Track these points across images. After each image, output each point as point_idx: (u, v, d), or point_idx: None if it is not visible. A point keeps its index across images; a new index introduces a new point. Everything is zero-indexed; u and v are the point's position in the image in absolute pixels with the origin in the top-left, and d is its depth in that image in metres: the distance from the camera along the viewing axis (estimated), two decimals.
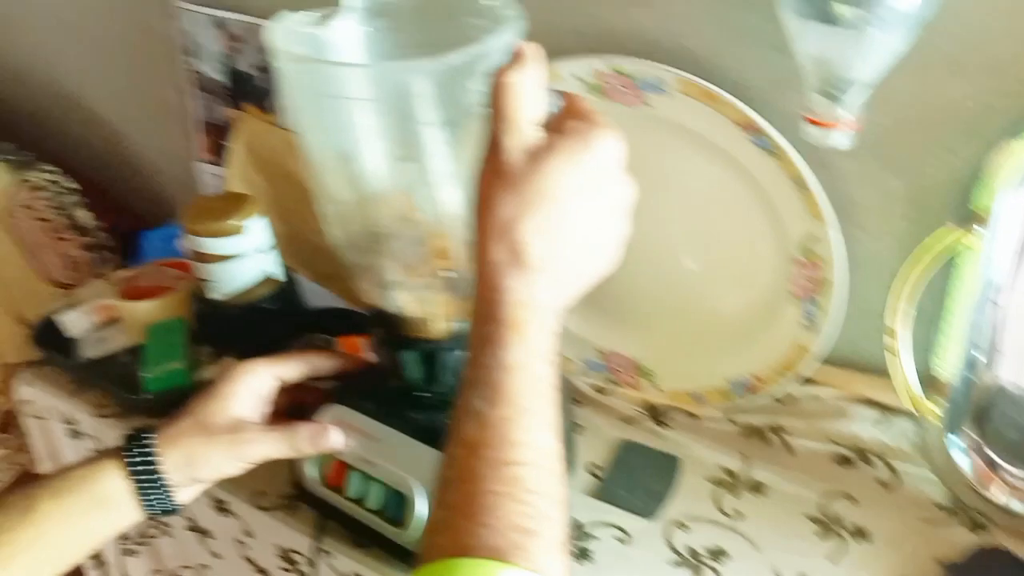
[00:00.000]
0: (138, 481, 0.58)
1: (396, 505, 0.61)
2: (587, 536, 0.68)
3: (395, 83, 0.48)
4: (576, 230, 0.45)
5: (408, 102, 0.48)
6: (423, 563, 0.40)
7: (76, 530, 0.57)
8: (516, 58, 0.46)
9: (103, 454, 0.59)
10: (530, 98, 0.45)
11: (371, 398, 0.65)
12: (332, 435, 0.63)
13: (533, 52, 0.47)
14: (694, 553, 0.67)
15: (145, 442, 0.59)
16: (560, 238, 0.44)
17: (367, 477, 0.63)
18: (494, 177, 0.45)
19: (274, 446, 0.61)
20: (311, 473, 0.66)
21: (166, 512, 0.59)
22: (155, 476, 0.58)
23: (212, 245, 0.84)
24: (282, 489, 0.74)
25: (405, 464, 0.61)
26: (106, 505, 0.58)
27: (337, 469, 0.64)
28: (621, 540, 0.68)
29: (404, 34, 0.57)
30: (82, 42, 1.16)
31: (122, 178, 1.24)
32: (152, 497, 0.58)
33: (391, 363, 0.64)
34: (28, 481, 1.13)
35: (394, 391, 0.65)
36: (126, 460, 0.58)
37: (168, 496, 0.59)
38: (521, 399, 0.43)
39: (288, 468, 0.73)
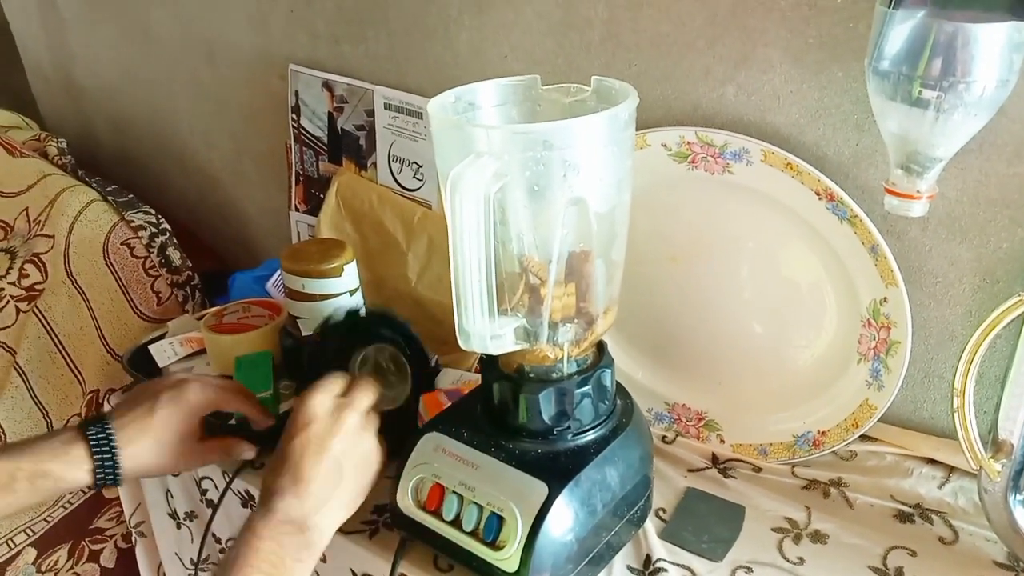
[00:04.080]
0: (96, 455, 0.69)
1: (493, 527, 0.65)
2: (658, 571, 0.72)
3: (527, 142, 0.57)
4: (319, 476, 0.64)
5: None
6: None
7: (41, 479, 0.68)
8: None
9: (70, 429, 0.71)
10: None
11: (466, 427, 0.70)
12: (243, 448, 0.80)
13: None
14: None
15: (107, 430, 0.70)
16: (302, 481, 0.63)
17: (465, 500, 0.67)
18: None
19: (207, 456, 0.77)
20: (408, 496, 0.70)
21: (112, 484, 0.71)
22: (110, 461, 0.69)
23: (310, 285, 0.90)
24: (363, 515, 0.79)
25: (502, 488, 0.65)
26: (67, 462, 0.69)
27: (434, 492, 0.69)
28: None
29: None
30: (203, 100, 1.27)
31: (211, 223, 1.32)
32: (104, 473, 0.69)
33: (487, 398, 0.71)
34: (97, 504, 1.18)
35: (487, 421, 0.70)
36: (90, 439, 0.69)
37: (117, 476, 0.70)
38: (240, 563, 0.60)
39: (377, 494, 0.78)
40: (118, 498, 1.13)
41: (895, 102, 0.60)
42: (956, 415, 0.70)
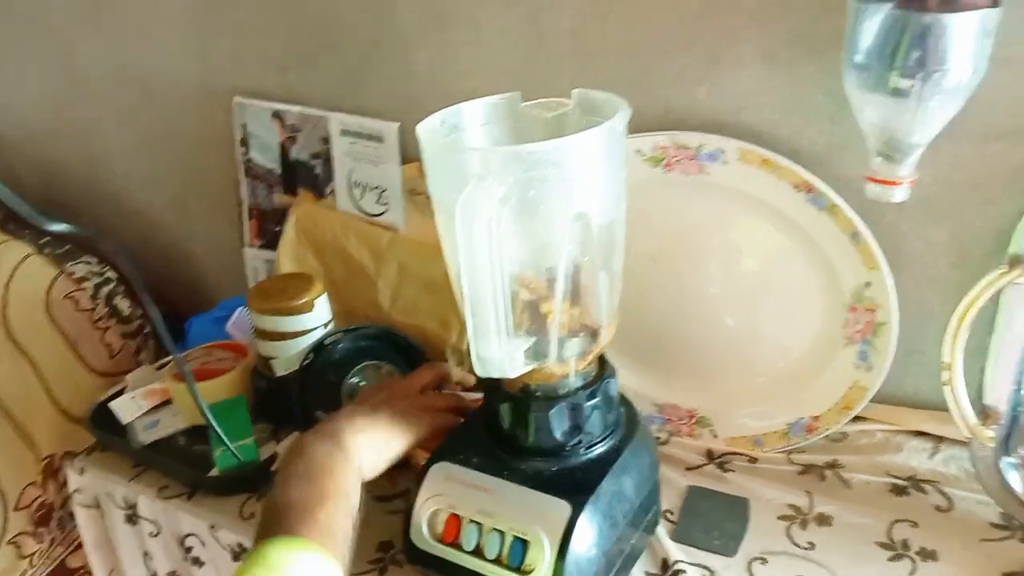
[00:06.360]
0: None
1: (519, 552, 0.64)
2: (678, 572, 0.72)
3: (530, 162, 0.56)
4: (378, 430, 0.72)
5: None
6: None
7: None
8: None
9: None
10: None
11: (473, 453, 0.69)
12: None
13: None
14: None
15: None
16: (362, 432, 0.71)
17: (484, 528, 0.65)
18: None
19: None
20: (423, 531, 0.68)
21: None
22: None
23: (282, 323, 0.88)
24: (369, 554, 0.77)
25: (523, 511, 0.64)
26: None
27: (451, 524, 0.67)
28: None
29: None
30: (140, 139, 1.21)
31: (155, 268, 1.26)
32: None
33: (491, 420, 0.70)
34: (62, 574, 1.12)
35: (494, 444, 0.69)
36: None
37: None
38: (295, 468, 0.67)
39: (379, 532, 0.77)
40: (85, 567, 1.07)
41: (874, 93, 0.62)
42: (947, 388, 0.72)
